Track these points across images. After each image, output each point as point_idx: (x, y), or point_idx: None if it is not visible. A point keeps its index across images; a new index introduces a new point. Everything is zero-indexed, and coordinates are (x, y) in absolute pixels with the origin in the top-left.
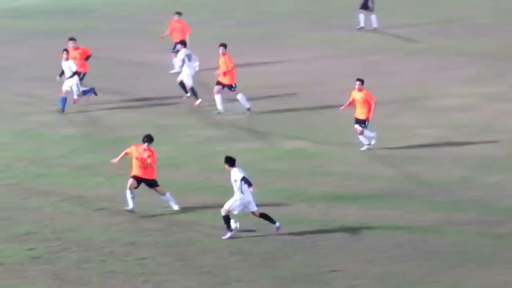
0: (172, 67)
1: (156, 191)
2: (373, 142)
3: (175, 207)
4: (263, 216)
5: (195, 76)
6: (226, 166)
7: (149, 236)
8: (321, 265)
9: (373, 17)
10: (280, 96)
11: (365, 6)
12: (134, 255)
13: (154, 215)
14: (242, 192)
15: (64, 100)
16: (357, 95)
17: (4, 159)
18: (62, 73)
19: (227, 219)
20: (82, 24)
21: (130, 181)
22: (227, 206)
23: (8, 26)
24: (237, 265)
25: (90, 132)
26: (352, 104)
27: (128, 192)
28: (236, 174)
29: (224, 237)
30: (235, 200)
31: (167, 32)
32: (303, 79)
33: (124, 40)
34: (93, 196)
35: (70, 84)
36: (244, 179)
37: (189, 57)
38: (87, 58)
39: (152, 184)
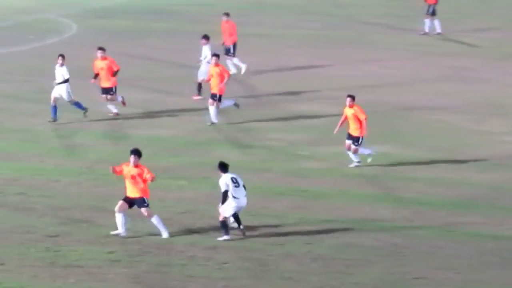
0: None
1: (143, 212)
2: (369, 159)
3: (164, 234)
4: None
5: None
6: (219, 172)
7: (231, 240)
8: (404, 272)
9: (428, 21)
10: (366, 99)
11: (430, 12)
12: (215, 259)
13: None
14: (234, 197)
15: (55, 109)
16: (348, 112)
17: (87, 160)
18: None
19: (224, 224)
20: (167, 25)
21: (120, 203)
22: (223, 213)
23: (95, 26)
24: (318, 271)
25: (174, 134)
26: (345, 121)
27: (118, 216)
28: (224, 179)
29: (219, 239)
30: (229, 206)
31: (223, 36)
32: (390, 83)
33: None
34: (175, 199)
35: (60, 91)
36: (232, 179)
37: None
38: (114, 73)
39: (140, 203)
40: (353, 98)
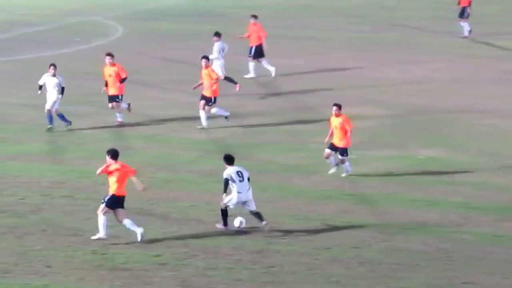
0: (247, 71)
1: (120, 213)
2: (344, 174)
3: (139, 234)
4: (256, 214)
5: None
6: (224, 165)
7: (278, 244)
8: (453, 277)
9: (466, 24)
10: (413, 102)
11: (461, 14)
12: (262, 263)
13: (283, 224)
14: (238, 192)
15: (62, 116)
16: (335, 121)
17: (133, 163)
18: (40, 87)
19: (224, 213)
20: (213, 28)
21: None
22: (225, 200)
23: (141, 28)
24: (366, 275)
25: (218, 137)
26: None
27: (101, 218)
28: (229, 172)
29: (217, 225)
30: (231, 198)
31: (245, 35)
32: (437, 86)
33: None
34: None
35: (51, 100)
36: (238, 173)
37: (223, 49)
38: (122, 80)
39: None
40: (339, 107)
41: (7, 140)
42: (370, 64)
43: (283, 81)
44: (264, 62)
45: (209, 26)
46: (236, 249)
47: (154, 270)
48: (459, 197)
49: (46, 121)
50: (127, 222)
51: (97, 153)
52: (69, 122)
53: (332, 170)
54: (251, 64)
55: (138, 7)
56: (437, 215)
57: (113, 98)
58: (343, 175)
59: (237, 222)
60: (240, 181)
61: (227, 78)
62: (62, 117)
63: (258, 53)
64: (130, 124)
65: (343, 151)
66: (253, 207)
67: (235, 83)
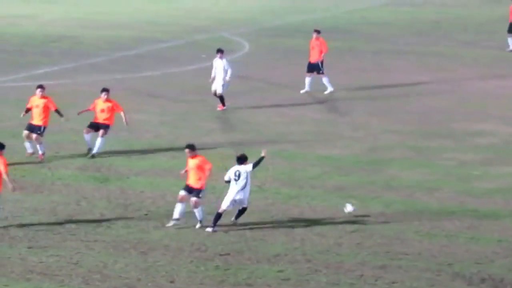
0: (303, 86)
1: None
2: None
3: None
4: (240, 211)
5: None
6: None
7: (401, 260)
8: None
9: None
10: None
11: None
12: (384, 278)
13: (406, 239)
14: (230, 189)
15: None
16: (191, 163)
17: (257, 179)
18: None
19: (216, 216)
20: (341, 44)
21: None
22: (222, 205)
23: (267, 45)
24: None
25: (345, 153)
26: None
27: None
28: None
29: (207, 229)
30: (226, 198)
31: (310, 55)
32: None
33: (386, 61)
34: (344, 218)
35: None
36: (235, 173)
37: (226, 66)
38: (57, 111)
39: None
40: (192, 148)
41: (132, 156)
42: (499, 81)
43: (410, 97)
44: (325, 80)
45: (336, 43)
46: (358, 264)
47: (277, 285)
48: None
49: None
50: None
51: (221, 169)
52: None
53: (175, 218)
54: (324, 79)
55: (266, 24)
56: None
57: (34, 128)
58: (197, 226)
59: (348, 207)
60: (235, 179)
61: (219, 97)
62: None
63: (317, 68)
64: (256, 140)
65: (198, 192)
66: (244, 204)
67: (223, 104)
